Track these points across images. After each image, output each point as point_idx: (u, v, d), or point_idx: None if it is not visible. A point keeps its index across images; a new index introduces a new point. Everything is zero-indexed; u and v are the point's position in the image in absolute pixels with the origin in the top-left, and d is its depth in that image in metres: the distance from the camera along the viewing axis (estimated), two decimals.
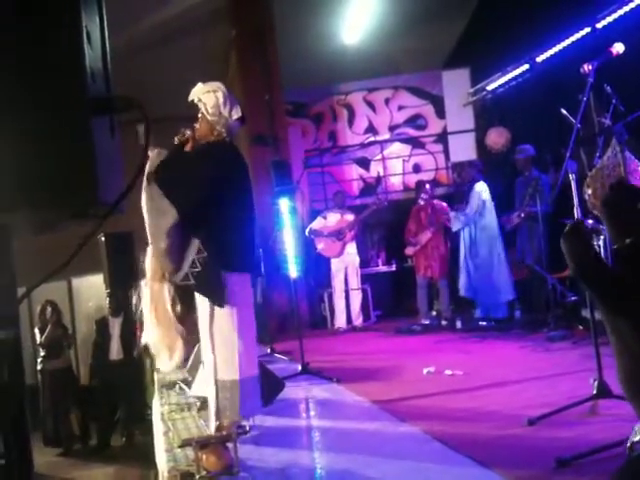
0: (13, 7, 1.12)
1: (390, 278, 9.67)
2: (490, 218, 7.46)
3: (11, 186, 1.09)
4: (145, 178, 3.22)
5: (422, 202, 8.12)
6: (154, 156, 3.30)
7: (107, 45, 1.27)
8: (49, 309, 8.71)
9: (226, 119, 3.47)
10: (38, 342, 8.63)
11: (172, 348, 3.39)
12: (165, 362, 3.44)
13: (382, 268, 9.71)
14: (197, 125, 3.54)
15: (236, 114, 3.51)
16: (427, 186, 8.29)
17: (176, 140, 3.52)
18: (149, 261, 3.42)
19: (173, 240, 3.25)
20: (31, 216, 1.19)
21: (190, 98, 3.54)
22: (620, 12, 7.27)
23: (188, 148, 3.53)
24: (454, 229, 7.63)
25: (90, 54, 1.16)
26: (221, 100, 3.46)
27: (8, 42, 1.10)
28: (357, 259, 8.65)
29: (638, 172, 3.19)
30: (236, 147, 3.66)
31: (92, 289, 9.27)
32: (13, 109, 1.08)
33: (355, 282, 8.61)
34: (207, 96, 3.49)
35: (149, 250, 3.41)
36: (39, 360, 8.66)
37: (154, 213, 3.27)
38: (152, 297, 3.40)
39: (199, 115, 3.53)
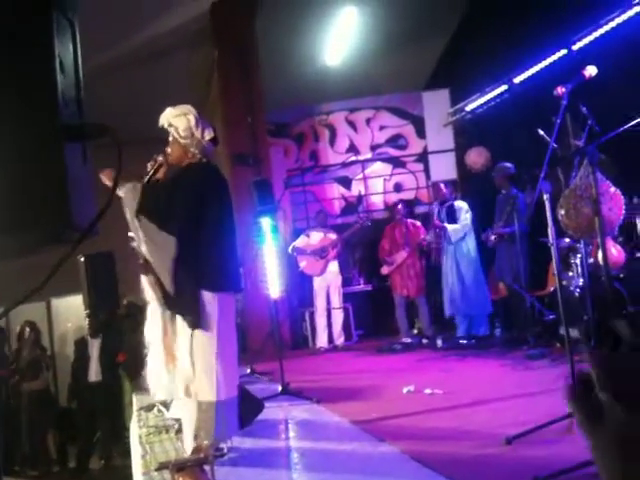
0: None
1: (371, 297, 9.70)
2: (471, 235, 7.59)
3: None
4: (135, 218, 3.23)
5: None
6: (130, 191, 3.27)
7: (80, 72, 1.29)
8: (27, 329, 8.61)
9: (199, 140, 3.50)
10: (15, 363, 8.52)
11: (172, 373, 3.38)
12: (164, 388, 3.40)
13: (364, 287, 9.73)
14: (169, 150, 3.54)
15: (208, 135, 3.53)
16: (399, 206, 8.37)
17: (149, 166, 3.53)
18: (150, 290, 3.40)
19: (175, 272, 3.27)
20: (3, 241, 1.19)
21: (160, 123, 3.54)
22: (596, 34, 7.44)
23: (161, 174, 3.53)
24: (453, 240, 7.65)
25: (62, 81, 1.17)
26: (192, 122, 3.49)
27: None
28: (339, 278, 8.68)
29: (609, 193, 3.25)
30: (214, 166, 3.68)
31: (71, 310, 9.19)
32: None
33: (337, 301, 8.62)
34: (178, 119, 3.51)
35: (145, 280, 3.40)
36: (16, 381, 8.54)
37: (156, 251, 3.28)
38: (164, 323, 3.38)
39: (170, 139, 3.54)
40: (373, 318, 9.70)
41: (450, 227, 7.65)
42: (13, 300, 1.42)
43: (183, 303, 3.30)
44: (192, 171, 3.49)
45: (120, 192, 3.22)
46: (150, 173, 3.49)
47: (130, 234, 3.38)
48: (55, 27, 1.16)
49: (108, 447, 8.21)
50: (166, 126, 3.53)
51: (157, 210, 3.31)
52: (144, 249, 3.28)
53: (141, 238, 3.27)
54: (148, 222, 3.26)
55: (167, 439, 4.14)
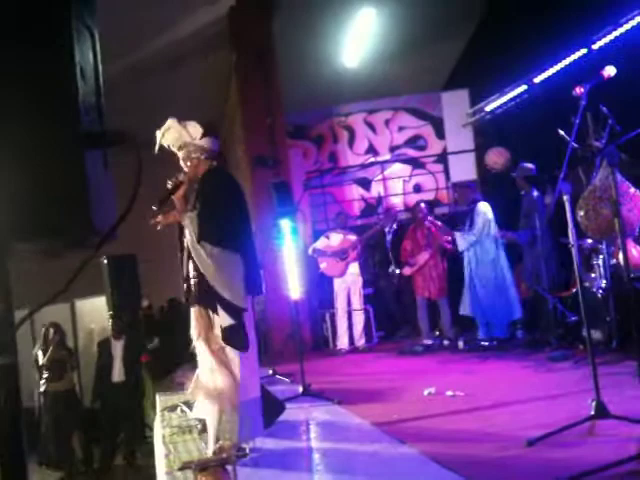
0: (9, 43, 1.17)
1: (392, 298, 9.66)
2: (494, 237, 7.50)
3: (7, 218, 1.13)
4: (197, 246, 3.43)
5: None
6: (188, 219, 3.50)
7: (100, 79, 1.32)
8: (51, 330, 8.72)
9: (193, 143, 3.57)
10: (40, 364, 8.62)
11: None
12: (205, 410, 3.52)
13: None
14: (185, 168, 3.66)
15: (195, 131, 3.59)
16: (422, 205, 8.33)
17: (169, 184, 3.60)
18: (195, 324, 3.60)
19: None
20: (27, 246, 1.23)
21: (156, 151, 3.63)
22: (616, 33, 7.36)
23: (181, 191, 3.63)
24: (460, 249, 7.61)
25: (83, 89, 1.20)
26: (177, 131, 3.59)
27: (2, 77, 1.15)
28: (360, 279, 8.67)
29: (629, 194, 3.22)
30: (224, 172, 3.76)
31: (95, 311, 9.30)
32: (8, 143, 1.13)
33: (357, 302, 8.61)
34: (167, 137, 3.62)
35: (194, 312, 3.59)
36: (41, 382, 8.65)
37: (223, 271, 3.48)
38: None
39: (181, 160, 3.66)
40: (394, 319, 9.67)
41: (458, 235, 7.60)
42: (37, 302, 1.45)
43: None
44: (204, 182, 3.61)
45: (184, 221, 3.49)
46: (169, 190, 3.57)
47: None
48: (75, 35, 1.19)
49: (131, 447, 8.29)
50: (167, 148, 3.62)
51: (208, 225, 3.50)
52: (210, 272, 3.46)
53: (207, 263, 3.45)
54: (211, 247, 3.46)
55: (190, 439, 4.18)
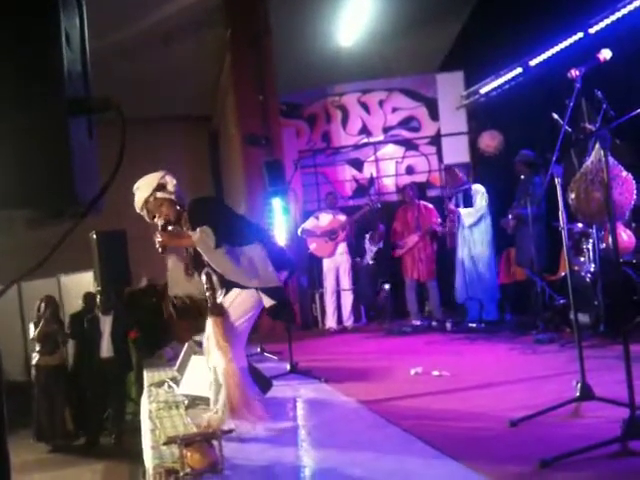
0: None
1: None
2: (486, 220, 7.55)
3: None
4: (217, 250, 3.68)
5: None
6: (202, 234, 3.67)
7: (87, 46, 1.29)
8: (43, 304, 8.68)
9: (167, 198, 3.80)
10: (31, 337, 8.59)
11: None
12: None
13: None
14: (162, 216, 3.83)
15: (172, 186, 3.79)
16: (410, 188, 8.34)
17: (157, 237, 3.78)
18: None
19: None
20: (9, 215, 1.21)
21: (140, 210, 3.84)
22: (612, 18, 7.32)
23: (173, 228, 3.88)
24: (467, 224, 7.62)
25: (69, 55, 1.18)
26: (145, 194, 3.77)
27: None
28: (348, 259, 8.68)
29: (621, 177, 3.22)
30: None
31: (81, 286, 9.26)
32: None
33: (346, 282, 8.63)
34: (137, 202, 3.81)
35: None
36: (33, 355, 8.63)
37: (244, 263, 3.81)
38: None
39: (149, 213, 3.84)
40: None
41: (464, 211, 7.62)
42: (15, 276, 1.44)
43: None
44: (193, 208, 3.85)
45: (194, 238, 3.70)
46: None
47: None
48: (61, 1, 1.16)
49: (118, 422, 8.31)
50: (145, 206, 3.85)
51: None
52: (231, 270, 3.79)
53: (228, 263, 3.76)
54: (232, 247, 3.75)
55: (177, 415, 4.20)
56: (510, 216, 7.05)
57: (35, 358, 8.60)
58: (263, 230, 4.16)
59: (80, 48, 1.26)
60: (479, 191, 7.63)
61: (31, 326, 8.66)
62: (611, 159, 3.01)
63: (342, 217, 8.58)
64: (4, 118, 1.10)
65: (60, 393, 8.66)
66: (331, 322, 8.60)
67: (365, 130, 10.92)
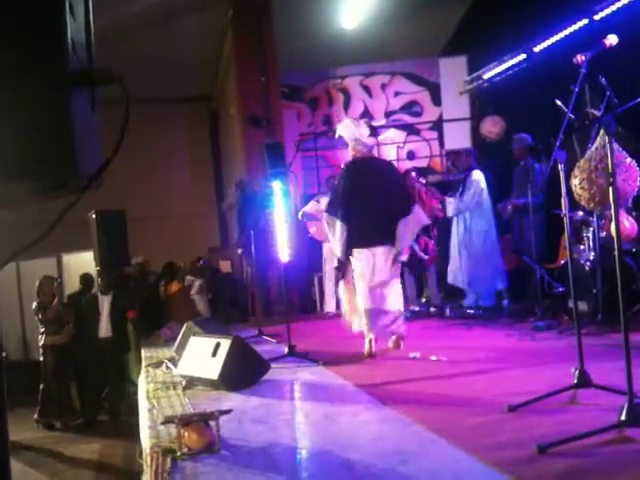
0: None
1: None
2: (486, 207, 7.50)
3: None
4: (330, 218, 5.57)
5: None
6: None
7: (91, 18, 1.27)
8: (55, 285, 8.68)
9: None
10: (39, 318, 8.57)
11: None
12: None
13: None
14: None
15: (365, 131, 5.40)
16: (413, 173, 8.28)
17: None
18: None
19: None
20: (9, 188, 1.19)
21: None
22: (618, 4, 7.26)
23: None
24: (449, 214, 7.61)
25: (72, 26, 1.15)
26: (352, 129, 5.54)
27: None
28: None
29: (625, 164, 3.20)
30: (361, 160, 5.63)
31: (81, 265, 9.25)
32: None
33: None
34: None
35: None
36: (41, 335, 8.62)
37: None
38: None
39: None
40: None
41: (448, 200, 7.59)
42: (25, 255, 1.42)
43: None
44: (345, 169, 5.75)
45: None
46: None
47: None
48: None
49: (116, 402, 8.34)
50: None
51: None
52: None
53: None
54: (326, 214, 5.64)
55: (174, 395, 4.20)
56: (510, 206, 7.02)
57: (42, 339, 8.60)
58: (351, 208, 5.63)
59: (84, 19, 1.23)
60: (474, 181, 7.52)
61: (35, 306, 8.63)
62: (615, 145, 2.98)
63: None
64: (4, 87, 1.07)
65: (70, 372, 8.71)
66: (330, 306, 8.60)
67: (367, 114, 10.87)
